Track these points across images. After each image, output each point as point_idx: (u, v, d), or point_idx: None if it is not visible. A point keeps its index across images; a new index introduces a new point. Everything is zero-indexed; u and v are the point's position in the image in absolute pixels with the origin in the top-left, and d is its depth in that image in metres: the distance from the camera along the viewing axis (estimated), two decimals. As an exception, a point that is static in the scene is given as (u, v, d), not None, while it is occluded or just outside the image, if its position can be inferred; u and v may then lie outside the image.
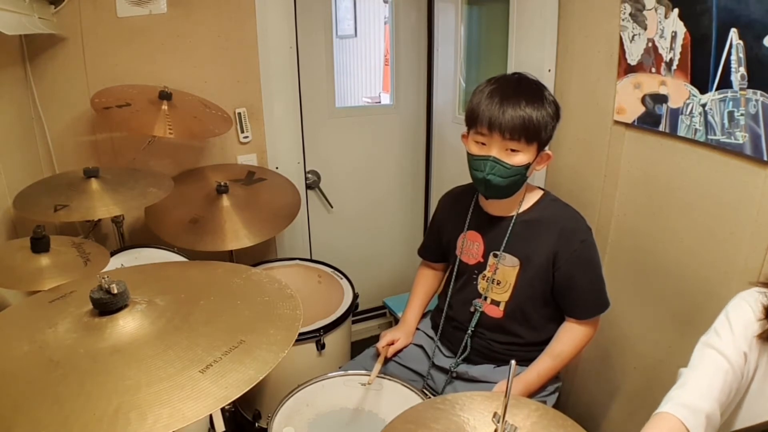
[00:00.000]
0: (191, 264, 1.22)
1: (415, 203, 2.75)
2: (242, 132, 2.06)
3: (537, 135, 1.26)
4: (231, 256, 1.92)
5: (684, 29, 1.34)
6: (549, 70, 1.78)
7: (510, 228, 1.38)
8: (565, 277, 1.34)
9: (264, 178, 1.96)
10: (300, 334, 1.48)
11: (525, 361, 1.40)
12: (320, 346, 1.65)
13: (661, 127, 1.46)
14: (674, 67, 1.39)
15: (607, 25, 1.57)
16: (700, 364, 0.90)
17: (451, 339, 1.51)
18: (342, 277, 1.94)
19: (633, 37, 1.48)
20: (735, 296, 0.95)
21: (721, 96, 1.27)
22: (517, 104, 1.23)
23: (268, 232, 1.79)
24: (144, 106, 1.66)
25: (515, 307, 1.40)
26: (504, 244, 1.39)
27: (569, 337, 1.38)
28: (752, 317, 0.90)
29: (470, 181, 1.39)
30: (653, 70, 1.45)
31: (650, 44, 1.44)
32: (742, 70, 1.21)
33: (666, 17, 1.38)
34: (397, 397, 1.35)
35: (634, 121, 1.54)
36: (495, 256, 1.41)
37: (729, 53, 1.24)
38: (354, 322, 2.50)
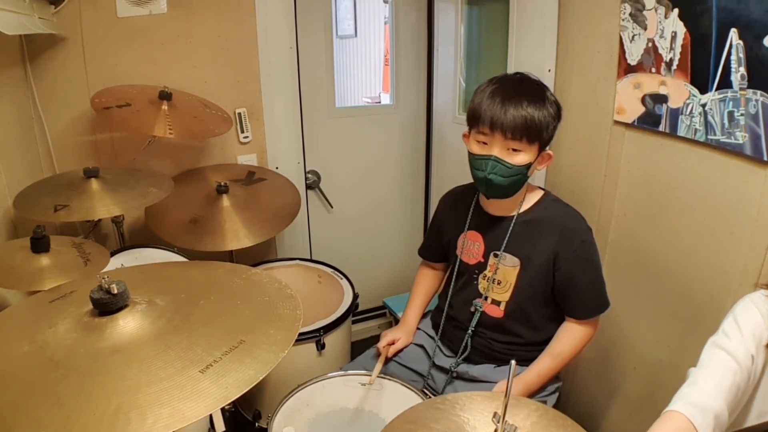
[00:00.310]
0: (191, 264, 1.22)
1: (415, 203, 2.76)
2: (242, 132, 2.06)
3: (538, 135, 1.26)
4: (231, 256, 1.92)
5: (684, 29, 1.34)
6: (549, 70, 1.78)
7: (511, 228, 1.38)
8: (566, 277, 1.34)
9: (264, 178, 1.96)
10: (300, 334, 1.48)
11: (525, 361, 1.40)
12: (320, 346, 1.65)
13: (661, 127, 1.46)
14: (674, 67, 1.39)
15: (607, 25, 1.57)
16: (709, 364, 0.91)
17: (451, 339, 1.51)
18: (342, 277, 1.94)
19: (633, 37, 1.48)
20: (743, 298, 0.96)
21: (721, 96, 1.27)
22: (519, 104, 1.24)
23: (268, 232, 1.79)
24: (144, 106, 1.66)
25: (516, 306, 1.40)
26: (504, 244, 1.39)
27: (569, 337, 1.38)
28: (760, 319, 0.91)
29: (470, 180, 1.39)
30: (653, 70, 1.45)
31: (650, 44, 1.44)
32: (742, 70, 1.21)
33: (666, 17, 1.38)
34: (397, 397, 1.35)
35: (634, 121, 1.54)
36: (495, 256, 1.41)
37: (729, 53, 1.24)
38: (354, 322, 2.50)
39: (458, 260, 1.49)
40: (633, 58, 1.50)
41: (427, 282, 1.68)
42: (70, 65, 1.76)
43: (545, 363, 1.37)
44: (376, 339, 1.62)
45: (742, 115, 1.23)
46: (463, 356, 1.46)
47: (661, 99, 1.44)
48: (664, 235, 1.52)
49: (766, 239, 1.24)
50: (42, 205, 1.38)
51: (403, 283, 2.79)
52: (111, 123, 1.81)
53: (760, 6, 1.15)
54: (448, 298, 1.53)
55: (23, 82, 1.70)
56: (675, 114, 1.41)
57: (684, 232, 1.45)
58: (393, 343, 1.55)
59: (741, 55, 1.21)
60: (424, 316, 1.67)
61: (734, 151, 1.27)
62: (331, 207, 2.55)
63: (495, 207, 1.42)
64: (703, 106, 1.33)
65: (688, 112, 1.37)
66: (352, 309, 1.79)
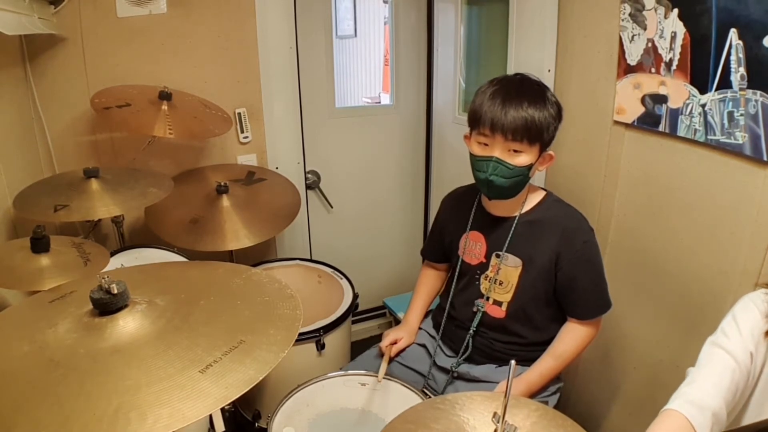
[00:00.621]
0: (191, 264, 1.22)
1: (415, 203, 2.76)
2: (242, 132, 2.06)
3: (539, 136, 1.26)
4: (231, 256, 1.92)
5: (684, 29, 1.34)
6: (549, 71, 1.78)
7: (513, 228, 1.38)
8: (567, 278, 1.34)
9: (264, 178, 1.96)
10: (300, 334, 1.48)
11: (527, 361, 1.40)
12: (320, 346, 1.65)
13: (661, 128, 1.46)
14: (674, 67, 1.39)
15: (607, 25, 1.57)
16: (708, 363, 0.91)
17: (453, 338, 1.51)
18: (342, 277, 1.94)
19: (633, 37, 1.49)
20: (742, 297, 0.96)
21: (721, 96, 1.27)
22: (519, 105, 1.24)
23: (268, 232, 1.79)
24: (144, 107, 1.66)
25: (517, 307, 1.40)
26: (506, 245, 1.39)
27: (571, 337, 1.38)
28: (759, 318, 0.91)
29: (471, 181, 1.39)
30: (653, 70, 1.45)
31: (650, 44, 1.44)
32: (742, 70, 1.21)
33: (666, 17, 1.38)
34: (397, 397, 1.35)
35: (633, 122, 1.54)
36: (497, 256, 1.41)
37: (729, 53, 1.24)
38: (354, 322, 2.50)
39: (460, 260, 1.49)
40: (633, 59, 1.50)
41: (429, 282, 1.68)
42: (70, 65, 1.76)
43: (547, 363, 1.37)
44: (376, 339, 1.62)
45: (741, 115, 1.23)
46: (464, 356, 1.46)
47: (660, 99, 1.44)
48: (664, 235, 1.52)
49: (766, 239, 1.24)
50: (42, 205, 1.38)
51: (403, 283, 2.79)
52: (111, 123, 1.81)
53: (759, 6, 1.15)
54: (449, 299, 1.53)
55: (23, 82, 1.70)
56: (675, 114, 1.41)
57: (684, 232, 1.45)
58: (395, 343, 1.55)
59: (741, 55, 1.21)
60: (425, 315, 1.67)
61: (734, 151, 1.28)
62: (331, 207, 2.55)
63: (497, 207, 1.42)
64: (703, 106, 1.33)
65: (687, 113, 1.37)
66: (352, 309, 1.79)
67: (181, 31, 1.87)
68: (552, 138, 1.31)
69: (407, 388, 1.37)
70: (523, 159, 1.27)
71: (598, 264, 1.36)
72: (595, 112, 1.67)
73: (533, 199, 1.40)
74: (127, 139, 1.88)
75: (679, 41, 1.36)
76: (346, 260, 2.30)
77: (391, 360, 1.52)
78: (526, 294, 1.39)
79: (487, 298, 1.43)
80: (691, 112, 1.36)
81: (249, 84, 2.02)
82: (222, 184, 1.75)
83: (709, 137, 1.33)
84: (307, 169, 2.33)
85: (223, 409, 1.03)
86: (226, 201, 1.74)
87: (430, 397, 1.37)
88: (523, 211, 1.40)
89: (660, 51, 1.42)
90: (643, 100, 1.50)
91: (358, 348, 1.78)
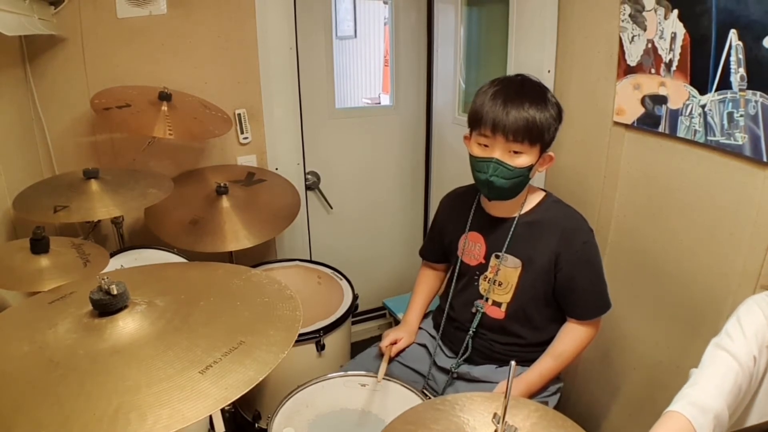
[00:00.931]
0: (191, 265, 1.22)
1: (415, 204, 2.76)
2: (242, 133, 2.06)
3: (540, 137, 1.26)
4: (231, 257, 1.92)
5: (683, 30, 1.34)
6: (548, 71, 1.78)
7: (512, 229, 1.38)
8: (567, 278, 1.34)
9: (264, 179, 1.96)
10: (300, 335, 1.48)
11: (526, 362, 1.40)
12: (320, 347, 1.65)
13: (661, 128, 1.46)
14: (674, 68, 1.39)
15: (607, 25, 1.57)
16: (711, 365, 0.91)
17: (452, 339, 1.51)
18: (342, 278, 1.94)
19: (633, 38, 1.49)
20: (746, 300, 0.96)
21: (721, 97, 1.27)
22: (520, 106, 1.24)
23: (268, 233, 1.79)
24: (144, 107, 1.66)
25: (517, 308, 1.40)
26: (506, 246, 1.39)
27: (571, 337, 1.38)
28: (764, 321, 0.91)
29: (470, 181, 1.39)
30: (653, 71, 1.45)
31: (650, 45, 1.44)
32: (742, 71, 1.21)
33: (665, 18, 1.38)
34: (397, 398, 1.35)
35: (633, 122, 1.54)
36: (497, 257, 1.41)
37: (728, 54, 1.24)
38: (354, 323, 2.50)
39: (459, 261, 1.49)
40: (632, 59, 1.50)
41: (428, 282, 1.68)
42: (70, 66, 1.76)
43: (547, 363, 1.37)
44: (375, 340, 1.62)
45: (741, 116, 1.23)
46: (463, 357, 1.46)
47: (660, 100, 1.44)
48: (664, 235, 1.52)
49: (766, 240, 1.24)
50: (42, 206, 1.38)
51: (403, 284, 2.79)
52: (111, 124, 1.81)
53: (759, 7, 1.16)
54: (448, 299, 1.53)
55: (23, 83, 1.70)
56: (674, 115, 1.41)
57: (683, 233, 1.45)
58: (395, 343, 1.55)
59: (740, 56, 1.21)
60: (425, 316, 1.67)
61: (734, 152, 1.28)
62: (331, 208, 2.55)
63: (496, 208, 1.42)
64: (703, 107, 1.33)
65: (687, 113, 1.37)
66: (352, 310, 1.79)
67: (181, 32, 1.87)
68: (552, 139, 1.31)
69: (407, 389, 1.37)
70: (523, 160, 1.27)
71: (597, 264, 1.36)
72: (594, 112, 1.67)
73: (533, 200, 1.40)
74: (127, 139, 1.88)
75: (679, 42, 1.36)
76: (346, 261, 2.30)
77: (391, 360, 1.52)
78: (526, 295, 1.38)
79: (486, 299, 1.43)
80: (690, 112, 1.36)
81: (249, 85, 2.02)
82: (222, 185, 1.75)
83: (708, 138, 1.33)
84: (306, 170, 2.33)
85: (223, 410, 1.03)
86: (225, 202, 1.74)
87: (429, 397, 1.37)
88: (523, 211, 1.40)
89: (660, 52, 1.42)
90: (642, 101, 1.50)
91: (358, 349, 1.78)
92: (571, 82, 1.75)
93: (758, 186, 1.24)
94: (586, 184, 1.74)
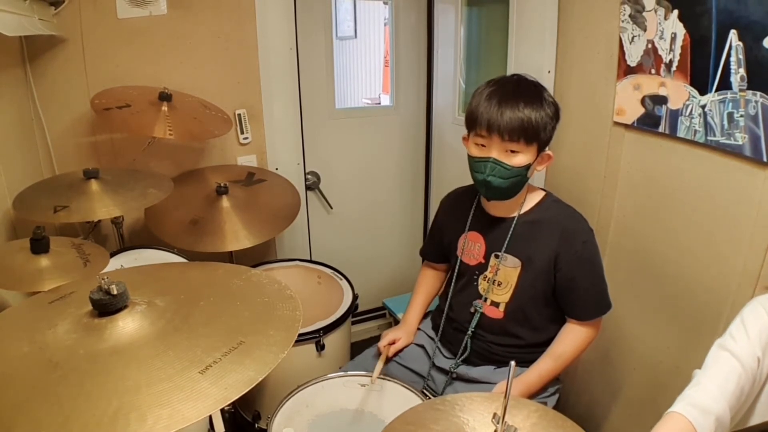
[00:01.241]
0: (191, 265, 1.22)
1: (415, 204, 2.76)
2: (242, 133, 2.06)
3: (536, 136, 1.26)
4: (231, 257, 1.92)
5: (684, 30, 1.34)
6: (549, 72, 1.78)
7: (512, 229, 1.38)
8: (567, 278, 1.34)
9: (264, 179, 1.96)
10: (300, 335, 1.48)
11: (525, 363, 1.40)
12: (320, 347, 1.65)
13: (661, 129, 1.46)
14: (674, 68, 1.39)
15: (607, 26, 1.57)
16: (714, 366, 0.91)
17: (451, 340, 1.51)
18: (342, 278, 1.94)
19: (633, 38, 1.49)
20: (751, 300, 0.96)
21: (721, 97, 1.27)
22: (515, 106, 1.24)
23: (268, 233, 1.79)
24: (144, 108, 1.66)
25: (516, 308, 1.40)
26: (505, 245, 1.39)
27: (571, 338, 1.38)
28: None
29: (470, 181, 1.39)
30: (653, 71, 1.45)
31: (650, 45, 1.44)
32: (742, 71, 1.21)
33: (666, 18, 1.39)
34: (396, 398, 1.35)
35: (633, 123, 1.54)
36: (496, 257, 1.41)
37: (728, 54, 1.24)
38: (354, 323, 2.50)
39: (459, 261, 1.49)
40: (633, 60, 1.50)
41: (428, 282, 1.68)
42: (70, 66, 1.76)
43: (546, 364, 1.37)
44: (375, 340, 1.62)
45: (741, 116, 1.23)
46: (462, 357, 1.46)
47: (660, 100, 1.44)
48: (664, 236, 1.52)
49: (766, 240, 1.24)
50: (42, 206, 1.38)
51: (403, 284, 2.79)
52: (111, 124, 1.81)
53: (759, 7, 1.16)
54: (448, 299, 1.53)
55: (23, 83, 1.70)
56: (675, 115, 1.41)
57: (683, 233, 1.45)
58: (393, 343, 1.55)
59: (740, 56, 1.21)
60: (425, 316, 1.67)
61: (734, 152, 1.28)
62: (331, 208, 2.55)
63: (496, 208, 1.42)
64: (703, 107, 1.33)
65: (687, 114, 1.37)
66: (352, 310, 1.79)
67: (181, 32, 1.87)
68: (549, 138, 1.31)
69: (407, 389, 1.37)
70: (520, 159, 1.27)
71: (597, 264, 1.36)
72: (594, 113, 1.67)
73: (532, 200, 1.40)
74: (127, 140, 1.88)
75: (679, 42, 1.36)
76: (346, 261, 2.30)
77: (388, 360, 1.52)
78: (525, 294, 1.38)
79: (485, 299, 1.43)
80: (690, 113, 1.36)
81: (249, 85, 2.02)
82: (222, 185, 1.75)
83: (708, 138, 1.33)
84: (306, 170, 2.33)
85: (222, 410, 1.03)
86: (225, 202, 1.74)
87: (429, 398, 1.37)
88: (522, 211, 1.39)
89: (660, 52, 1.42)
90: (643, 101, 1.50)
91: (357, 349, 1.78)
92: (571, 82, 1.75)
93: (758, 186, 1.24)
94: (586, 184, 1.74)
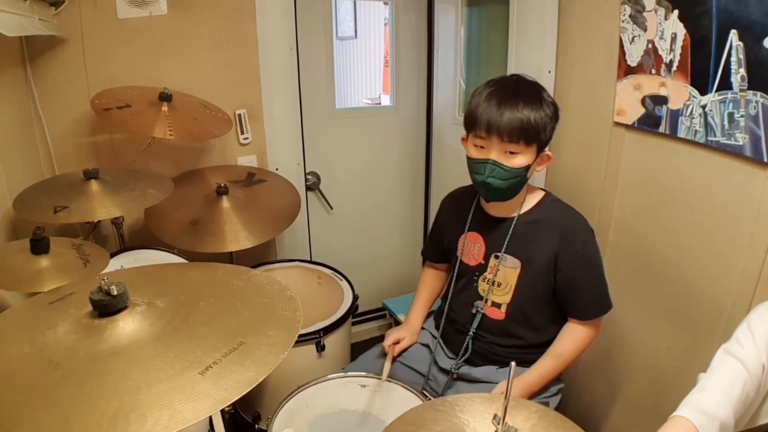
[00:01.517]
0: (191, 265, 1.22)
1: (415, 205, 2.75)
2: (242, 133, 2.06)
3: (536, 136, 1.26)
4: (231, 258, 1.92)
5: (684, 31, 1.34)
6: (549, 72, 1.78)
7: (511, 229, 1.38)
8: (567, 279, 1.34)
9: (264, 179, 1.96)
10: (300, 336, 1.48)
11: (526, 363, 1.40)
12: (320, 348, 1.65)
13: (661, 129, 1.46)
14: (674, 68, 1.39)
15: (607, 26, 1.57)
16: (720, 371, 0.91)
17: (453, 340, 1.51)
18: (342, 278, 1.94)
19: (633, 38, 1.49)
20: (758, 305, 0.96)
21: (721, 97, 1.27)
22: (514, 106, 1.24)
23: (268, 233, 1.79)
24: (144, 108, 1.66)
25: (517, 308, 1.40)
26: (505, 246, 1.38)
27: (571, 338, 1.37)
28: None
29: (471, 182, 1.39)
30: (653, 71, 1.45)
31: (650, 45, 1.44)
32: (742, 71, 1.21)
33: (666, 19, 1.38)
34: (397, 399, 1.35)
35: (634, 123, 1.54)
36: (496, 257, 1.41)
37: (729, 55, 1.24)
38: (354, 323, 2.50)
39: (458, 261, 1.48)
40: (633, 60, 1.50)
41: (430, 283, 1.68)
42: (71, 66, 1.76)
43: (547, 363, 1.37)
44: (376, 341, 1.62)
45: (742, 116, 1.23)
46: (463, 358, 1.46)
47: (661, 100, 1.44)
48: (664, 236, 1.52)
49: (766, 240, 1.24)
50: (42, 207, 1.38)
51: (403, 284, 2.78)
52: (111, 124, 1.81)
53: (759, 7, 1.16)
54: (448, 300, 1.53)
55: (23, 83, 1.70)
56: (675, 115, 1.41)
57: (684, 233, 1.45)
58: (398, 342, 1.55)
59: (741, 56, 1.21)
60: (428, 316, 1.67)
61: (734, 152, 1.28)
62: (331, 208, 2.55)
63: (496, 208, 1.42)
64: (703, 107, 1.33)
65: (688, 114, 1.37)
66: (352, 310, 1.79)
67: (181, 33, 1.87)
68: (549, 138, 1.31)
69: (407, 390, 1.37)
70: (519, 160, 1.27)
71: (598, 264, 1.36)
72: (595, 113, 1.67)
73: (532, 200, 1.40)
74: (127, 140, 1.88)
75: (679, 42, 1.36)
76: (346, 261, 2.30)
77: (393, 360, 1.52)
78: (525, 295, 1.38)
79: (486, 300, 1.43)
80: (691, 113, 1.36)
81: (249, 85, 2.02)
82: (222, 185, 1.75)
83: (709, 138, 1.33)
84: (307, 171, 2.33)
85: (223, 411, 1.03)
86: (226, 202, 1.74)
87: (429, 398, 1.37)
88: (522, 211, 1.39)
89: (660, 52, 1.42)
90: (643, 102, 1.50)
91: (358, 349, 1.78)
92: (571, 82, 1.75)
93: (759, 186, 1.24)
94: (586, 184, 1.74)
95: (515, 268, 1.38)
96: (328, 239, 2.56)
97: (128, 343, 0.78)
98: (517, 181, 1.30)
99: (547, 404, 1.40)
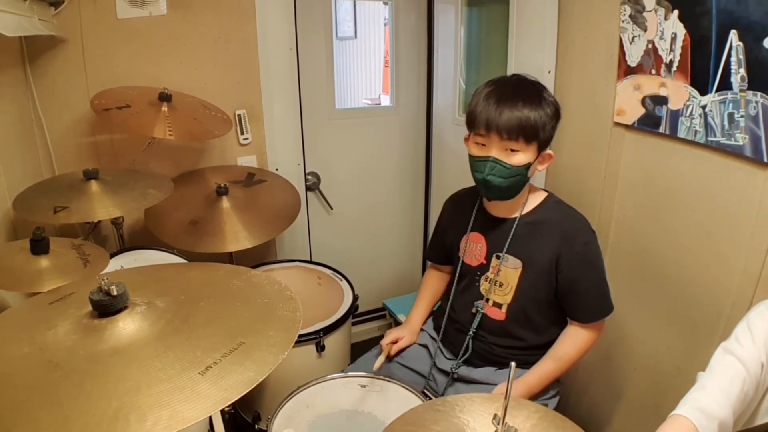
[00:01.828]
0: (191, 266, 1.22)
1: (415, 205, 2.75)
2: (242, 133, 2.06)
3: (535, 135, 1.26)
4: (231, 258, 1.92)
5: (684, 31, 1.34)
6: (549, 72, 1.78)
7: (513, 229, 1.38)
8: (568, 280, 1.34)
9: (264, 179, 1.96)
10: (300, 336, 1.48)
11: (526, 365, 1.40)
12: (320, 348, 1.65)
13: (661, 129, 1.46)
14: (674, 68, 1.39)
15: (607, 26, 1.57)
16: (719, 370, 0.91)
17: (453, 341, 1.51)
18: (342, 278, 1.94)
19: (633, 38, 1.49)
20: (758, 304, 0.96)
21: (721, 97, 1.27)
22: (514, 105, 1.24)
23: (268, 233, 1.79)
24: (144, 108, 1.66)
25: (517, 309, 1.39)
26: (507, 246, 1.38)
27: (572, 340, 1.37)
28: None
29: (471, 182, 1.39)
30: (653, 71, 1.45)
31: (650, 46, 1.44)
32: (742, 71, 1.21)
33: (666, 19, 1.38)
34: (396, 399, 1.35)
35: (634, 123, 1.54)
36: (497, 257, 1.41)
37: (729, 55, 1.24)
38: (354, 323, 2.50)
39: (460, 262, 1.48)
40: (633, 60, 1.50)
41: (433, 284, 1.68)
42: (70, 67, 1.76)
43: (547, 366, 1.37)
44: (376, 341, 1.62)
45: (742, 116, 1.23)
46: (463, 358, 1.46)
47: (661, 100, 1.44)
48: (664, 236, 1.52)
49: (766, 241, 1.24)
50: (41, 207, 1.38)
51: (403, 284, 2.78)
52: (111, 124, 1.81)
53: (759, 8, 1.16)
54: (450, 300, 1.53)
55: (23, 84, 1.70)
56: (675, 115, 1.41)
57: (684, 233, 1.45)
58: (396, 342, 1.55)
59: (741, 56, 1.21)
60: (428, 316, 1.67)
61: (734, 152, 1.28)
62: (331, 208, 2.55)
63: (498, 208, 1.42)
64: (703, 107, 1.33)
65: (688, 114, 1.37)
66: (352, 311, 1.79)
67: (180, 33, 1.87)
68: (550, 137, 1.31)
69: (407, 390, 1.37)
70: (520, 158, 1.27)
71: (599, 266, 1.36)
72: (595, 113, 1.67)
73: (534, 201, 1.40)
74: (127, 140, 1.88)
75: (679, 42, 1.36)
76: (346, 262, 2.30)
77: (390, 359, 1.52)
78: (526, 295, 1.38)
79: (487, 300, 1.43)
80: (691, 113, 1.36)
81: (249, 85, 2.02)
82: (222, 185, 1.75)
83: (709, 139, 1.33)
84: (307, 171, 2.33)
85: (223, 411, 1.03)
86: (225, 202, 1.74)
87: (430, 398, 1.37)
88: (524, 212, 1.39)
89: (660, 52, 1.42)
90: (643, 102, 1.50)
91: (358, 349, 1.78)
92: (571, 82, 1.75)
93: (759, 186, 1.24)
94: (586, 184, 1.74)
95: (516, 269, 1.38)
96: (328, 239, 2.56)
97: (128, 343, 0.78)
98: (518, 180, 1.30)
99: (545, 406, 1.40)
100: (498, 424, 0.81)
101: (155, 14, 1.82)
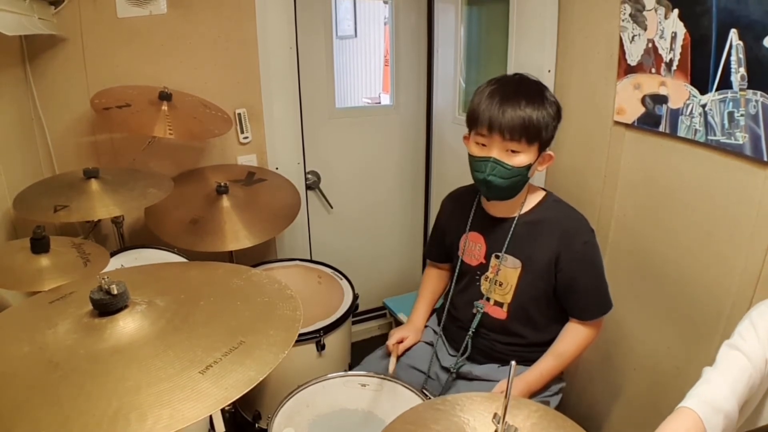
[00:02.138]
0: (191, 265, 1.22)
1: (415, 204, 2.75)
2: (242, 132, 2.06)
3: (537, 135, 1.26)
4: (231, 257, 1.92)
5: (684, 30, 1.34)
6: (549, 71, 1.78)
7: (512, 229, 1.38)
8: (568, 279, 1.34)
9: (264, 178, 1.96)
10: (300, 335, 1.47)
11: (527, 362, 1.40)
12: (320, 347, 1.65)
13: (661, 128, 1.46)
14: (674, 67, 1.39)
15: (607, 25, 1.57)
16: (725, 363, 0.92)
17: (455, 338, 1.52)
18: (342, 277, 1.94)
19: (633, 37, 1.48)
20: (759, 303, 0.96)
21: (721, 96, 1.27)
22: (516, 105, 1.23)
23: (268, 232, 1.79)
24: (144, 107, 1.65)
25: (518, 307, 1.40)
26: (506, 246, 1.38)
27: (572, 337, 1.38)
28: None
29: (471, 181, 1.39)
30: (653, 70, 1.45)
31: (650, 45, 1.44)
32: (742, 70, 1.21)
33: (666, 18, 1.38)
34: (397, 398, 1.35)
35: (634, 122, 1.54)
36: (497, 257, 1.41)
37: (729, 54, 1.24)
38: (354, 322, 2.49)
39: (460, 261, 1.48)
40: (633, 59, 1.50)
41: (433, 282, 1.68)
42: (70, 66, 1.76)
43: (548, 363, 1.37)
44: (376, 340, 1.62)
45: (742, 115, 1.23)
46: (464, 356, 1.46)
47: (661, 99, 1.44)
48: (664, 235, 1.52)
49: (766, 240, 1.24)
50: (42, 206, 1.38)
51: (403, 283, 2.78)
52: (111, 124, 1.81)
53: (759, 7, 1.15)
54: (450, 298, 1.53)
55: (23, 83, 1.70)
56: (675, 114, 1.41)
57: (684, 232, 1.45)
58: (401, 341, 1.55)
59: (741, 55, 1.21)
60: (431, 314, 1.67)
61: (734, 151, 1.27)
62: (331, 207, 2.55)
63: (496, 208, 1.42)
64: (703, 106, 1.33)
65: (688, 113, 1.37)
66: (352, 310, 1.79)
67: (181, 32, 1.87)
68: (551, 138, 1.30)
69: (407, 389, 1.37)
70: (521, 159, 1.27)
71: (598, 265, 1.36)
72: (595, 112, 1.67)
73: (533, 200, 1.40)
74: (127, 139, 1.88)
75: (679, 41, 1.36)
76: (346, 261, 2.30)
77: (397, 358, 1.52)
78: (526, 295, 1.38)
79: (488, 299, 1.43)
80: (691, 112, 1.36)
81: (249, 84, 2.01)
82: (222, 184, 1.75)
83: (709, 138, 1.33)
84: (307, 170, 2.33)
85: (223, 410, 1.03)
86: (226, 201, 1.74)
87: (430, 397, 1.37)
88: (523, 211, 1.39)
89: (660, 51, 1.42)
90: (643, 101, 1.50)
91: (358, 349, 1.78)
92: (571, 81, 1.75)
93: (759, 186, 1.24)
94: (586, 184, 1.74)
95: (516, 268, 1.38)
96: (328, 238, 2.56)
97: (128, 342, 0.79)
98: (518, 180, 1.30)
99: (547, 403, 1.40)
100: (498, 423, 0.81)
101: (155, 13, 1.82)
